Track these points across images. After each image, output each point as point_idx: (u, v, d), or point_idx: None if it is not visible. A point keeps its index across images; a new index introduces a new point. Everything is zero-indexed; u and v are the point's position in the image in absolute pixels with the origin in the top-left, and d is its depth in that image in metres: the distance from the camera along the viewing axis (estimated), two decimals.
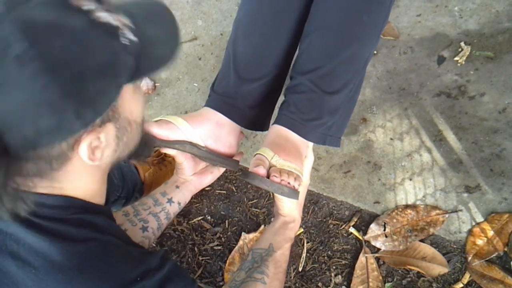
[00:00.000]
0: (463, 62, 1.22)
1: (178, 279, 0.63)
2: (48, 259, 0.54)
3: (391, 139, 1.20)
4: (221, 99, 0.95)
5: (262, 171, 0.83)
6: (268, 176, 0.83)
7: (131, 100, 0.60)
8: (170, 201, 0.98)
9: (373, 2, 0.88)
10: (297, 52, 0.97)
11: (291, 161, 0.87)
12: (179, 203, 0.98)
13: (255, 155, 0.87)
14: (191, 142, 0.92)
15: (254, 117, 0.99)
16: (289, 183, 0.83)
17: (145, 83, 1.52)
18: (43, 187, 0.57)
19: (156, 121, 0.90)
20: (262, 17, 0.93)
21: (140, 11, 0.61)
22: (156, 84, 1.52)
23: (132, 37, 0.56)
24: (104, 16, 0.53)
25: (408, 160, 1.16)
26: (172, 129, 0.90)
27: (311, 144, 0.94)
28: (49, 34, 0.48)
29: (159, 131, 0.88)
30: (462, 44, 1.24)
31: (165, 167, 1.19)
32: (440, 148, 1.14)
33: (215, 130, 0.95)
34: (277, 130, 0.91)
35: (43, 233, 0.55)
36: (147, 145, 0.72)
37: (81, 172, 0.59)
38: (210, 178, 1.00)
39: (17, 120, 0.48)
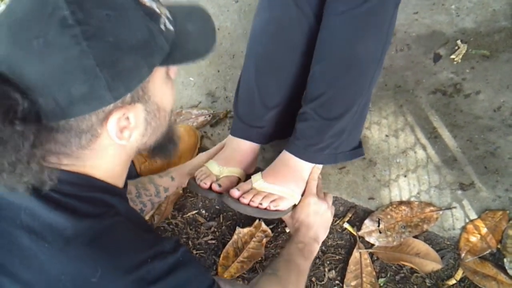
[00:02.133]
0: (459, 60, 1.22)
1: (191, 266, 0.62)
2: (61, 234, 0.54)
3: (386, 135, 1.20)
4: (254, 131, 1.09)
5: (235, 193, 0.97)
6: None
7: (162, 86, 0.61)
8: (167, 197, 1.03)
9: (368, 30, 0.94)
10: None
11: (277, 183, 0.99)
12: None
13: None
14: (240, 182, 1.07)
15: (277, 135, 1.14)
16: (261, 203, 0.96)
17: None
18: (66, 164, 0.57)
19: (226, 176, 1.06)
20: (282, 54, 1.04)
21: (181, 10, 0.65)
22: None
23: (170, 26, 0.60)
24: (148, 1, 0.57)
25: (403, 157, 1.16)
26: (236, 181, 1.08)
27: (320, 165, 1.06)
28: (96, 3, 0.50)
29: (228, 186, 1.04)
30: (459, 42, 1.25)
31: (161, 160, 1.18)
32: (435, 146, 1.15)
33: (252, 157, 1.12)
34: (282, 156, 1.04)
35: (59, 208, 0.55)
36: (172, 141, 0.73)
37: (107, 151, 0.59)
38: None
39: (51, 84, 0.49)
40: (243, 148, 1.10)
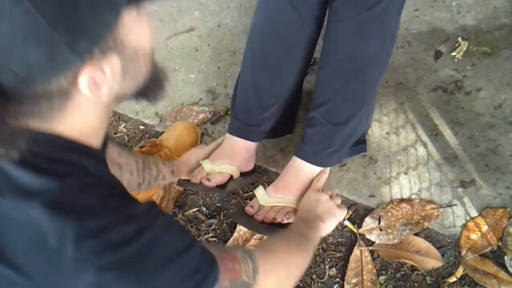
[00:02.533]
0: (460, 57, 1.22)
1: (164, 227, 0.57)
2: (22, 189, 0.49)
3: (387, 133, 1.20)
4: (249, 129, 1.09)
5: (250, 211, 1.02)
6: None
7: (135, 27, 0.53)
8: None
9: (373, 36, 0.94)
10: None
11: (287, 194, 1.03)
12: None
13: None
14: (233, 179, 1.11)
15: (277, 132, 1.15)
16: (275, 218, 1.00)
17: None
18: (36, 125, 0.53)
19: (218, 172, 1.08)
20: (278, 53, 1.04)
21: None
22: None
23: None
24: None
25: (404, 154, 1.16)
26: (227, 177, 1.09)
27: (328, 168, 1.08)
28: None
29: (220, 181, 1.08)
30: (460, 39, 1.24)
31: (160, 158, 1.18)
32: (435, 143, 1.15)
33: (246, 155, 1.12)
34: (292, 162, 1.06)
35: (23, 165, 0.50)
36: (158, 82, 0.66)
37: (82, 109, 0.54)
38: None
39: (4, 57, 0.44)
40: (238, 147, 1.10)
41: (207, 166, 1.09)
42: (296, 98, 1.14)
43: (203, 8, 1.58)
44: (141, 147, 1.23)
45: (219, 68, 1.45)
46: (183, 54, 1.51)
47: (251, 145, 1.11)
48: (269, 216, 1.01)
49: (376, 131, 1.21)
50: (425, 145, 1.15)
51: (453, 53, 1.23)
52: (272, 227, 1.00)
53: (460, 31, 1.26)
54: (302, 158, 1.04)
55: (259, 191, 1.05)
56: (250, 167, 1.17)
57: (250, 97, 1.07)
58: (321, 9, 0.99)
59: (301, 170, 1.04)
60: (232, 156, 1.10)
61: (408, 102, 1.21)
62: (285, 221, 1.01)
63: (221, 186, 1.08)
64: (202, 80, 1.45)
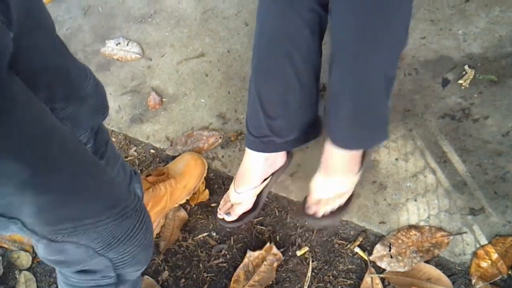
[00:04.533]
0: (467, 85, 1.24)
1: None
2: None
3: (396, 159, 1.21)
4: (259, 141, 1.07)
5: (310, 210, 1.08)
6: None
7: None
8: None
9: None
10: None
11: (334, 183, 1.05)
12: None
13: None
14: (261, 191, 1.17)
15: (295, 139, 1.10)
16: (333, 208, 1.08)
17: (152, 98, 1.53)
18: None
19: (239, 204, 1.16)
20: (273, 63, 0.99)
21: None
22: (163, 99, 1.53)
23: None
24: None
25: (413, 181, 1.17)
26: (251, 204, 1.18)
27: None
28: None
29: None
30: (466, 67, 1.26)
31: (165, 188, 1.18)
32: (444, 170, 1.16)
33: (266, 164, 1.12)
34: (328, 149, 1.02)
35: None
36: None
37: None
38: None
39: None
40: (256, 161, 1.12)
41: (232, 196, 1.16)
42: (310, 108, 1.07)
43: (213, 34, 1.61)
44: (147, 175, 1.23)
45: (229, 93, 1.47)
46: (194, 79, 1.54)
47: (268, 154, 1.11)
48: (327, 209, 1.08)
49: (385, 157, 1.22)
50: (434, 172, 1.17)
51: (460, 81, 1.25)
52: (330, 219, 1.08)
53: (467, 59, 1.28)
54: (336, 144, 0.98)
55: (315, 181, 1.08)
56: (280, 164, 1.17)
57: (256, 107, 1.03)
58: (315, 15, 0.94)
59: (342, 154, 1.00)
60: (252, 174, 1.13)
61: (417, 128, 1.23)
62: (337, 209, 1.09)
63: (250, 211, 1.17)
64: (212, 104, 1.47)
